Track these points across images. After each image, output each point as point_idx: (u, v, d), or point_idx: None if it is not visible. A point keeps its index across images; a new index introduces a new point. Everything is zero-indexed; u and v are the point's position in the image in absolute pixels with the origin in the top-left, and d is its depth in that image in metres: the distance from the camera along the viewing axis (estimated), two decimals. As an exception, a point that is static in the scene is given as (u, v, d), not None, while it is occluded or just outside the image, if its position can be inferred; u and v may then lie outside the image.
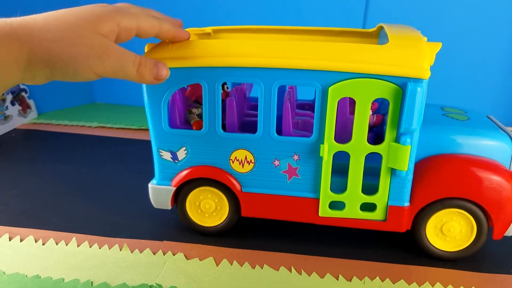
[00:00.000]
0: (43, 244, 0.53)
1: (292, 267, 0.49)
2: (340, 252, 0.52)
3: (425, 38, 0.48)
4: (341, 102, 0.53)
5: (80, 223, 0.57)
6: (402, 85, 0.44)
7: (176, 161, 0.52)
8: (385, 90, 0.45)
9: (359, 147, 0.47)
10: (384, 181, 0.48)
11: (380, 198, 0.49)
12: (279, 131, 0.50)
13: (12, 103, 0.93)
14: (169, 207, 0.54)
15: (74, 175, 0.59)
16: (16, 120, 0.94)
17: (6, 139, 0.88)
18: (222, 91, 0.52)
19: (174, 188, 0.52)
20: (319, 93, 0.46)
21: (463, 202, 0.48)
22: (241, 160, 0.50)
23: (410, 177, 0.48)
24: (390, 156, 0.47)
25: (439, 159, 0.48)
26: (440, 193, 0.48)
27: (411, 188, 0.49)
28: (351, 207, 0.50)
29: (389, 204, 0.49)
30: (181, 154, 0.51)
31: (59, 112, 1.03)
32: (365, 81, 0.45)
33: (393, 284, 0.47)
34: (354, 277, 0.48)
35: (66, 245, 0.53)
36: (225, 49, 0.46)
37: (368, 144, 0.47)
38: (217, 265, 0.49)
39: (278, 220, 0.53)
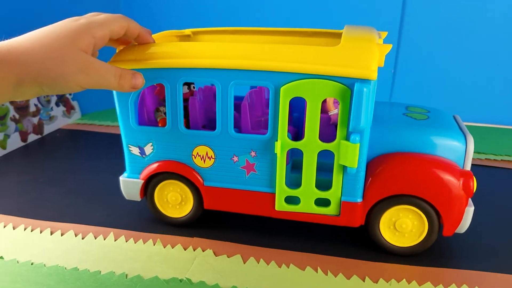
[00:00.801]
0: (82, 238, 0.55)
1: (319, 268, 0.50)
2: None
3: (380, 40, 0.50)
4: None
5: (118, 219, 0.59)
6: (350, 85, 0.46)
7: (143, 155, 0.55)
8: (334, 90, 0.46)
9: (311, 144, 0.49)
10: (336, 178, 0.50)
11: (333, 194, 0.51)
12: (240, 129, 0.52)
13: (57, 104, 0.97)
14: (138, 199, 0.57)
15: (114, 173, 0.61)
16: (61, 120, 0.98)
17: (50, 138, 0.92)
18: (188, 90, 0.55)
19: (143, 181, 0.55)
20: (272, 93, 0.48)
21: (414, 200, 0.49)
22: (203, 156, 0.53)
23: (362, 174, 0.50)
24: (341, 154, 0.48)
25: (392, 157, 0.50)
26: (391, 190, 0.49)
27: (364, 184, 0.50)
28: (306, 202, 0.52)
29: (342, 199, 0.51)
30: (148, 149, 0.54)
31: (102, 112, 1.07)
32: (315, 81, 0.46)
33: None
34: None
35: (104, 239, 0.55)
36: (185, 51, 0.49)
37: (320, 141, 0.49)
38: (244, 263, 0.51)
39: (237, 214, 0.56)
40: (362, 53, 0.45)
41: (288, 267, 0.50)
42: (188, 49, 0.49)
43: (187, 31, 0.64)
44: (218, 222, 0.58)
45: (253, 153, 0.51)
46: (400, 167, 0.49)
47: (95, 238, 0.55)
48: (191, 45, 0.49)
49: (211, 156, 0.53)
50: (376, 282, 0.48)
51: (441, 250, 0.53)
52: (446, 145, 0.50)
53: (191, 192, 0.55)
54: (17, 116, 0.84)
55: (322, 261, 0.51)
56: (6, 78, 0.38)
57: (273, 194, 0.52)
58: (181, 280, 0.48)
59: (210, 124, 0.56)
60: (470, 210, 0.49)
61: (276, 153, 0.50)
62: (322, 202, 0.52)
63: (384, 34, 0.57)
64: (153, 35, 0.58)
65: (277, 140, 0.50)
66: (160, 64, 0.49)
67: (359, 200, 0.50)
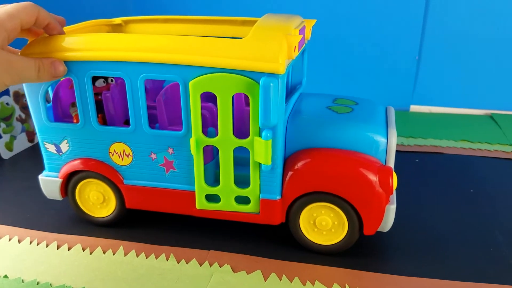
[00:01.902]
0: (90, 253, 0.51)
1: (347, 285, 0.47)
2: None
3: (296, 30, 0.47)
4: (236, 96, 0.54)
5: (126, 231, 0.56)
6: (257, 79, 0.44)
7: (60, 153, 0.53)
8: (243, 85, 0.44)
9: (226, 141, 0.47)
10: (254, 175, 0.48)
11: (252, 191, 0.49)
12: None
13: None
14: (60, 198, 0.55)
15: None
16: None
17: None
18: (104, 84, 0.53)
19: (61, 180, 0.54)
20: (182, 88, 0.46)
21: (332, 197, 0.48)
22: (120, 153, 0.51)
23: (279, 170, 0.48)
24: (255, 151, 0.47)
25: (308, 153, 0.48)
26: (308, 187, 0.48)
27: (282, 181, 0.49)
28: (226, 200, 0.50)
29: (261, 197, 0.49)
30: (64, 146, 0.52)
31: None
32: (223, 76, 0.45)
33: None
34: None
35: (114, 254, 0.51)
36: (93, 43, 0.47)
37: (234, 138, 0.47)
38: (265, 280, 0.47)
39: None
40: (269, 45, 0.43)
41: (314, 285, 0.47)
42: (95, 41, 0.47)
43: (118, 20, 0.62)
44: (234, 233, 0.55)
45: (170, 150, 0.50)
46: (316, 164, 0.47)
47: (104, 253, 0.51)
48: (99, 37, 0.47)
49: (129, 154, 0.51)
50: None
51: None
52: (366, 139, 0.48)
53: (112, 191, 0.54)
54: (23, 115, 0.81)
55: (350, 276, 0.48)
56: None
57: (193, 192, 0.51)
58: None
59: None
60: (391, 208, 0.48)
61: (190, 150, 0.48)
62: (242, 200, 0.50)
63: (312, 22, 0.55)
64: (82, 23, 0.56)
65: (191, 137, 0.48)
66: (66, 57, 0.47)
67: (278, 197, 0.49)
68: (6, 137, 0.77)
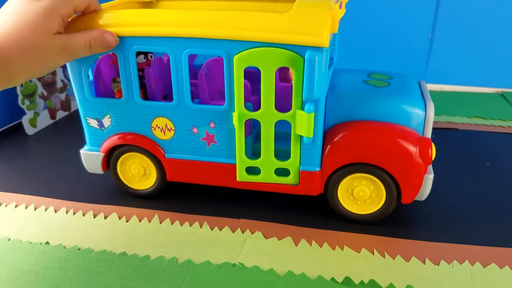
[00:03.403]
0: (127, 221, 0.53)
1: (375, 249, 0.48)
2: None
3: (336, 5, 0.48)
4: None
5: (161, 201, 0.57)
6: (302, 53, 0.45)
7: (102, 128, 0.54)
8: (287, 59, 0.45)
9: (268, 115, 0.49)
10: (294, 147, 0.50)
11: (292, 164, 0.51)
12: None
13: None
14: (101, 172, 0.57)
15: None
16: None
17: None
18: (145, 60, 0.54)
19: (103, 154, 0.55)
20: (226, 62, 0.47)
21: (371, 168, 0.49)
22: (162, 128, 0.52)
23: (319, 143, 0.49)
24: (297, 124, 0.48)
25: (348, 125, 0.49)
26: (348, 158, 0.49)
27: (322, 153, 0.50)
28: (266, 172, 0.52)
29: (300, 169, 0.51)
30: (106, 121, 0.54)
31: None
32: (267, 50, 0.45)
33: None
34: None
35: (149, 222, 0.53)
36: (138, 18, 0.48)
37: (276, 111, 0.48)
38: (296, 245, 0.49)
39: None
40: (314, 20, 0.44)
41: (343, 250, 0.48)
42: (141, 17, 0.48)
43: (150, -3, 0.62)
44: (263, 203, 0.56)
45: (212, 124, 0.51)
46: (356, 136, 0.48)
47: (140, 221, 0.53)
48: (145, 12, 0.48)
49: (171, 128, 0.52)
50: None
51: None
52: (405, 112, 0.49)
53: (154, 165, 0.55)
54: (45, 93, 0.82)
55: (378, 242, 0.50)
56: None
57: (234, 165, 0.52)
58: (234, 265, 0.46)
59: (172, 95, 0.56)
60: (429, 178, 0.49)
61: (233, 124, 0.49)
62: (282, 172, 0.52)
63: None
64: (113, 2, 0.57)
65: (234, 111, 0.49)
66: (116, 33, 0.48)
67: (317, 169, 0.50)
68: (30, 114, 0.78)
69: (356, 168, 0.50)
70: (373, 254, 0.48)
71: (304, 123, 0.47)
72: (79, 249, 0.49)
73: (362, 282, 0.44)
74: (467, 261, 0.47)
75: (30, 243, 0.49)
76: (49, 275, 0.45)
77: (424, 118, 0.50)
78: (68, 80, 0.88)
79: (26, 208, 0.56)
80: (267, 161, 0.51)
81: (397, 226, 0.52)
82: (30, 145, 0.75)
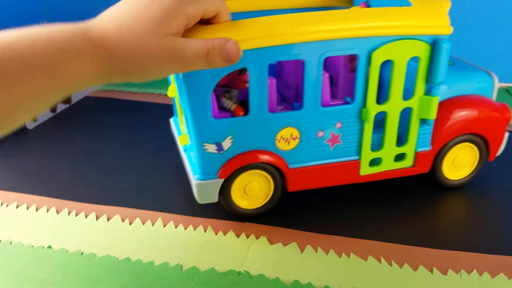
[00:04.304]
0: (130, 224, 0.52)
1: (382, 257, 0.47)
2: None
3: None
4: (336, 62, 0.55)
5: (163, 201, 0.56)
6: (431, 42, 0.49)
7: (221, 151, 0.49)
8: (417, 49, 0.49)
9: (395, 105, 0.51)
10: (413, 131, 0.53)
11: (409, 147, 0.54)
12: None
13: None
14: (216, 200, 0.51)
15: (151, 148, 0.62)
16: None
17: (79, 108, 0.87)
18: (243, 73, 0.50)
19: (222, 180, 0.50)
20: (362, 60, 0.48)
21: (470, 136, 0.56)
22: (287, 138, 0.50)
23: (432, 122, 0.54)
24: (420, 108, 0.52)
25: (450, 103, 0.55)
26: (455, 132, 0.55)
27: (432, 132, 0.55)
28: (387, 160, 0.54)
29: (416, 150, 0.55)
30: (227, 143, 0.49)
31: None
32: (401, 42, 0.48)
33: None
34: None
35: (153, 225, 0.52)
36: (269, 27, 0.45)
37: (402, 100, 0.51)
38: (301, 252, 0.48)
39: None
40: (438, 11, 0.49)
41: (349, 257, 0.47)
42: (273, 25, 0.45)
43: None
44: None
45: (338, 125, 0.51)
46: (463, 111, 0.55)
47: (143, 224, 0.53)
48: (277, 20, 0.45)
49: (296, 137, 0.50)
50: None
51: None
52: (483, 85, 0.57)
53: (273, 179, 0.52)
54: None
55: (384, 249, 0.49)
56: (96, 73, 0.36)
57: (357, 161, 0.53)
58: (239, 273, 0.45)
59: (286, 103, 0.54)
60: (507, 135, 0.58)
61: (364, 120, 0.51)
62: (399, 157, 0.55)
63: None
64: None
65: (364, 107, 0.50)
66: (246, 45, 0.44)
67: (429, 148, 0.55)
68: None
69: (458, 140, 0.56)
70: (380, 263, 0.47)
71: (430, 107, 0.51)
72: (82, 253, 0.48)
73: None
74: (475, 270, 0.45)
75: (32, 247, 0.49)
76: (52, 282, 0.45)
77: (493, 87, 0.58)
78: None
79: (27, 208, 0.56)
80: (390, 150, 0.53)
81: (401, 232, 0.52)
82: (30, 140, 0.73)
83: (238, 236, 0.50)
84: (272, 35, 0.44)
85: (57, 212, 0.55)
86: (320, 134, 0.51)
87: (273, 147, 0.50)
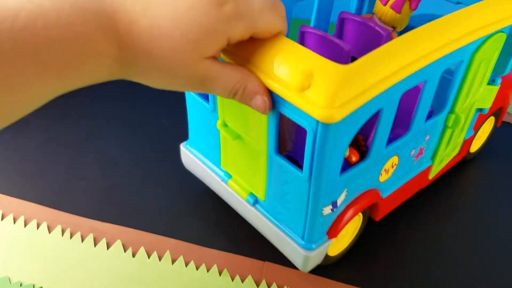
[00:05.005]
0: (133, 256, 0.45)
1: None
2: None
3: None
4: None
5: (173, 224, 0.48)
6: (508, 32, 0.45)
7: (334, 209, 0.38)
8: (501, 41, 0.44)
9: (468, 104, 0.47)
10: (467, 123, 0.50)
11: (462, 138, 0.52)
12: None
13: None
14: (320, 262, 0.41)
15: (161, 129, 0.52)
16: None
17: None
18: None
19: (332, 240, 0.40)
20: (463, 65, 0.41)
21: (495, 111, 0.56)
22: (388, 169, 0.42)
23: (476, 111, 0.52)
24: (481, 99, 0.48)
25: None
26: (489, 112, 0.54)
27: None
28: (444, 157, 0.51)
29: (464, 139, 0.53)
30: (341, 198, 0.38)
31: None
32: (494, 37, 0.42)
33: None
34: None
35: (160, 259, 0.45)
36: (394, 59, 0.33)
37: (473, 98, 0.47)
38: None
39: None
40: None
41: None
42: (399, 55, 0.33)
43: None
44: None
45: (427, 137, 0.44)
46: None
47: (149, 257, 0.45)
48: (398, 49, 0.34)
49: (394, 163, 0.42)
50: None
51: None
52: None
53: (363, 214, 0.44)
54: None
55: None
56: (109, 75, 0.29)
57: (430, 166, 0.48)
58: None
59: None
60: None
61: (448, 125, 0.45)
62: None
63: None
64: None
65: (453, 113, 0.44)
66: (375, 91, 0.32)
67: (472, 133, 0.53)
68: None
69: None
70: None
71: (491, 96, 0.49)
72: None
73: None
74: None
75: (21, 285, 0.42)
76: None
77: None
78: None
79: (14, 222, 0.48)
80: (452, 147, 0.50)
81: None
82: (14, 129, 0.58)
83: (258, 283, 0.43)
84: (398, 69, 0.33)
85: (49, 231, 0.47)
86: (413, 152, 0.44)
87: (376, 183, 0.41)
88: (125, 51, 0.28)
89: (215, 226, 0.48)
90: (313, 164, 0.33)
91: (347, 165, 0.37)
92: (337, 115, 0.29)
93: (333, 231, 0.39)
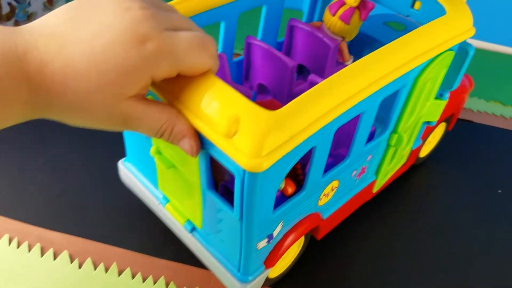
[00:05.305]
0: (79, 268, 0.43)
1: None
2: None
3: None
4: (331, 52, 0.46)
5: (119, 232, 0.47)
6: (457, 49, 0.43)
7: (270, 241, 0.37)
8: (449, 59, 0.42)
9: (415, 121, 0.46)
10: (414, 135, 0.50)
11: (408, 149, 0.51)
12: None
13: None
14: (258, 288, 0.40)
15: (115, 134, 0.45)
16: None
17: None
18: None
19: (270, 269, 0.39)
20: (406, 90, 0.40)
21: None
22: (327, 193, 0.41)
23: (424, 122, 0.51)
24: (428, 113, 0.47)
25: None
26: (440, 120, 0.54)
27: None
28: (392, 168, 0.50)
29: (412, 149, 0.52)
30: (277, 230, 0.37)
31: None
32: (441, 57, 0.41)
33: None
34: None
35: (106, 271, 0.43)
36: (326, 99, 0.31)
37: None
38: None
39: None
40: (465, 13, 0.42)
41: None
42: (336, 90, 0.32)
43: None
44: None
45: (369, 157, 0.44)
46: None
47: (95, 269, 0.43)
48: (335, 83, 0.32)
49: (335, 187, 0.41)
50: None
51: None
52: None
53: (304, 236, 0.43)
54: None
55: None
56: (22, 116, 0.27)
57: (373, 182, 0.48)
58: None
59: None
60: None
61: (391, 144, 0.44)
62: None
63: None
64: None
65: (395, 132, 0.44)
66: (307, 133, 0.30)
67: (420, 142, 0.53)
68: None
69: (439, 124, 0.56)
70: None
71: (439, 110, 0.48)
72: None
73: None
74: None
75: None
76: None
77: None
78: (17, 1, 0.65)
79: None
80: (398, 160, 0.50)
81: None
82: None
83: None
84: (332, 107, 0.32)
85: (42, 254, 0.45)
86: (354, 173, 0.43)
87: (315, 208, 0.41)
88: (37, 93, 0.26)
89: (164, 235, 0.47)
90: (243, 205, 0.32)
91: (282, 197, 0.36)
92: (265, 164, 0.28)
93: (270, 261, 0.39)
